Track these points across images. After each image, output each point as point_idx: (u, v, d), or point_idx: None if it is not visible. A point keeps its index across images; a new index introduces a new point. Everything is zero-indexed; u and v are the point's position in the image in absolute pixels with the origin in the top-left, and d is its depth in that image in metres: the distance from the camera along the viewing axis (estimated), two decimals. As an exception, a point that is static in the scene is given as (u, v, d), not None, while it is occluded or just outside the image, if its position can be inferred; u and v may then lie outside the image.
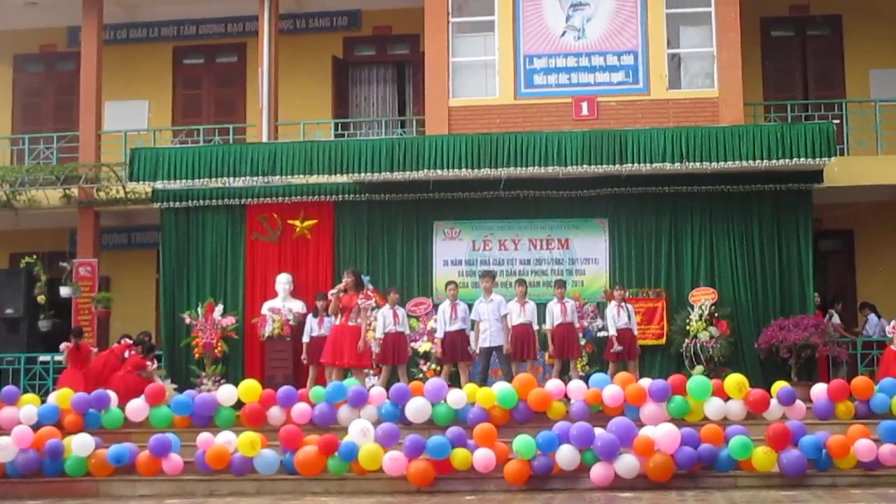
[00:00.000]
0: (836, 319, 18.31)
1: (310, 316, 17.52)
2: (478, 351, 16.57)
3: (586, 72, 18.62)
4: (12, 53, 23.64)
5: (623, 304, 17.00)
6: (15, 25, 22.65)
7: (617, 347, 16.83)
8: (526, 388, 14.46)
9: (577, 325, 17.03)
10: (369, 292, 16.77)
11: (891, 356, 16.08)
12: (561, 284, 17.12)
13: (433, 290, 18.24)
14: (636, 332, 17.08)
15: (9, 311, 20.15)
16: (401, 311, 16.82)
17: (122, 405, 15.16)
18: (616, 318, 16.95)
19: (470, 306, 16.83)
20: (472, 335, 16.62)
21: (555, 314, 16.86)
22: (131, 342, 17.30)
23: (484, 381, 15.85)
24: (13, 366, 18.92)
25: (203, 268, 18.81)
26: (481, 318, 16.50)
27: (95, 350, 17.69)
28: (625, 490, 12.74)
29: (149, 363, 16.96)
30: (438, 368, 17.14)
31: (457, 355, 16.57)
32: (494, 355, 16.62)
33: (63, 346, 17.18)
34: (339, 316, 16.07)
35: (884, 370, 16.00)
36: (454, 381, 16.08)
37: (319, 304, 17.34)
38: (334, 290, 16.22)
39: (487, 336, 16.43)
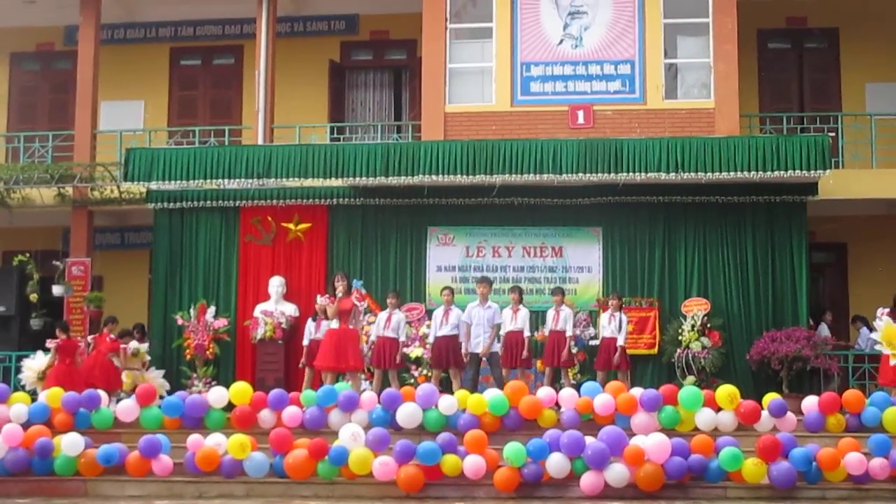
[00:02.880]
0: (825, 331, 18.29)
1: (309, 320, 17.46)
2: (468, 356, 16.53)
3: (583, 80, 18.61)
4: (9, 51, 23.58)
5: (616, 313, 16.98)
6: (12, 23, 22.62)
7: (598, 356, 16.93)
8: (517, 396, 14.47)
9: (570, 335, 16.98)
10: (358, 294, 16.74)
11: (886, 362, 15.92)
12: (559, 292, 17.10)
13: (426, 295, 18.22)
14: (623, 344, 16.92)
15: (0, 309, 20.15)
16: (396, 316, 16.72)
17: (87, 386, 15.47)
18: (606, 326, 16.94)
19: (463, 311, 16.83)
20: (463, 339, 16.58)
21: (548, 321, 16.85)
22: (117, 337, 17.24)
23: (474, 388, 15.83)
24: (4, 364, 18.89)
25: (196, 269, 18.80)
26: (473, 322, 16.44)
27: (84, 342, 17.58)
28: (614, 499, 12.75)
29: (123, 349, 16.87)
30: (430, 374, 17.11)
31: (445, 361, 16.52)
32: (485, 361, 16.59)
33: (50, 342, 17.16)
34: (338, 320, 16.02)
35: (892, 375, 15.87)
36: (445, 387, 16.06)
37: (318, 306, 17.29)
38: (337, 295, 16.05)
39: (480, 342, 16.37)
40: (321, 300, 16.46)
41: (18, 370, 18.27)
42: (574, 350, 17.22)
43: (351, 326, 16.04)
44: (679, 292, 17.91)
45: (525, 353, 16.52)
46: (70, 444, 13.71)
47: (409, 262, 18.53)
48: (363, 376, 16.96)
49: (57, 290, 19.37)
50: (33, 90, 23.63)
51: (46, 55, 23.63)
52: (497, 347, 16.48)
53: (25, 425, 14.18)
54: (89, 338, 17.56)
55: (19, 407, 14.61)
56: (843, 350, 18.05)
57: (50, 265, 19.62)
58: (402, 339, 16.83)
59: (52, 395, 14.94)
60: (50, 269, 19.58)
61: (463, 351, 16.50)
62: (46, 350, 16.82)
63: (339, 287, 16.07)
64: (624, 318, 17.03)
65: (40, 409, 14.69)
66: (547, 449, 13.08)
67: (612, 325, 16.88)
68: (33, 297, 19.26)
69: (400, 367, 16.84)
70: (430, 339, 16.74)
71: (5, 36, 23.11)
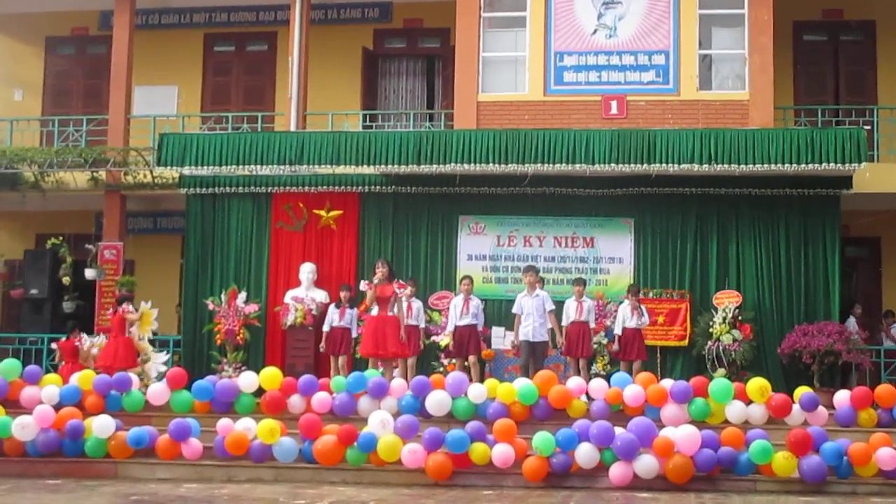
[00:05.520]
0: (853, 324, 18.16)
1: (332, 306, 17.52)
2: (518, 344, 16.47)
3: (616, 70, 18.54)
4: (44, 36, 23.76)
5: (639, 305, 16.99)
6: (47, 8, 22.80)
7: (615, 347, 16.99)
8: (547, 386, 14.44)
9: (594, 326, 16.94)
10: (398, 283, 16.76)
11: None
12: (580, 282, 17.06)
13: (456, 284, 18.18)
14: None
15: (33, 291, 20.37)
16: (416, 304, 16.83)
17: (108, 367, 15.74)
18: (629, 318, 16.93)
19: (484, 301, 17.03)
20: (503, 330, 16.66)
21: (570, 312, 16.81)
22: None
23: (526, 373, 15.75)
24: (36, 346, 19.05)
25: (227, 255, 18.88)
26: (524, 311, 16.34)
27: (88, 340, 17.67)
28: (643, 490, 12.68)
29: (129, 314, 16.94)
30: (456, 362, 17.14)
31: (464, 349, 16.56)
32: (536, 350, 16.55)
33: (54, 344, 17.42)
34: (377, 307, 15.95)
35: None
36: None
37: (343, 294, 17.36)
38: (374, 281, 15.94)
39: (530, 330, 16.24)
40: (363, 286, 16.41)
41: (50, 352, 18.42)
42: (604, 341, 17.23)
43: (390, 314, 15.98)
44: (710, 285, 17.85)
45: (591, 344, 16.67)
46: (101, 426, 13.77)
47: (439, 251, 18.55)
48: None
49: (89, 273, 19.52)
50: (68, 74, 23.80)
51: (81, 40, 23.77)
52: (545, 337, 16.45)
53: (57, 407, 14.28)
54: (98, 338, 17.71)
55: (51, 388, 14.73)
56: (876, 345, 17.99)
57: (83, 249, 19.81)
58: (423, 325, 16.95)
59: (83, 378, 15.03)
60: (83, 253, 19.77)
61: (514, 341, 16.48)
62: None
63: (379, 273, 15.98)
64: (644, 309, 17.07)
65: (72, 390, 14.78)
66: (576, 439, 13.04)
67: (635, 318, 16.86)
68: (66, 280, 19.49)
69: (421, 354, 16.88)
70: (450, 328, 16.76)
71: (41, 20, 23.28)
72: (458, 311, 16.67)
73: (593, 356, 17.26)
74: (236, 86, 23.03)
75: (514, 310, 16.52)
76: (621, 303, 17.60)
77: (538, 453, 13.00)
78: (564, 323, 16.81)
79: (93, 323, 19.30)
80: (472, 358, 16.59)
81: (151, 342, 17.81)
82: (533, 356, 16.31)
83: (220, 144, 17.94)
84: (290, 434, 13.70)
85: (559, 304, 16.94)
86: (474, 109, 18.65)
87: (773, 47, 18.25)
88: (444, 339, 17.44)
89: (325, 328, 17.42)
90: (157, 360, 17.33)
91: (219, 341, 18.15)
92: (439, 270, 18.47)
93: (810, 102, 20.41)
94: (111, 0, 20.88)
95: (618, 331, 17.04)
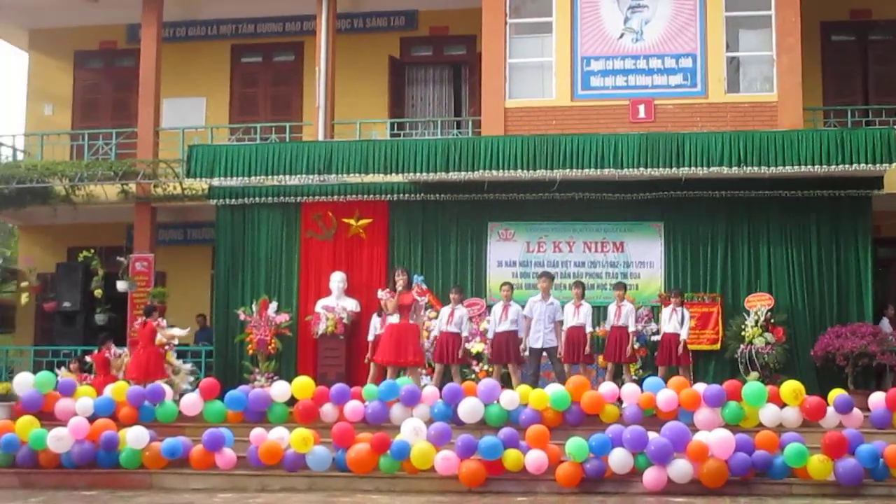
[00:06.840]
0: (886, 325, 18.04)
1: (374, 315, 17.48)
2: (527, 351, 16.48)
3: (644, 74, 18.47)
4: (73, 50, 23.91)
5: (678, 308, 16.82)
6: (76, 22, 22.99)
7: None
8: (579, 391, 14.42)
9: (633, 330, 16.83)
10: (419, 289, 16.76)
11: None
12: (620, 287, 16.99)
13: (486, 290, 18.21)
14: (685, 338, 16.75)
15: (66, 304, 20.49)
16: (459, 311, 16.74)
17: (140, 380, 15.76)
18: (667, 321, 16.84)
19: (523, 307, 16.76)
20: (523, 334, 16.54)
21: (609, 316, 16.75)
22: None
23: (535, 383, 15.77)
24: (69, 358, 19.10)
25: (258, 265, 18.91)
26: (534, 317, 16.38)
27: (121, 351, 17.72)
28: (678, 495, 12.66)
29: (158, 323, 16.97)
30: (490, 369, 17.09)
31: (504, 356, 16.49)
32: (546, 357, 16.53)
33: (89, 357, 17.49)
34: (398, 315, 16.04)
35: None
36: (505, 382, 16.01)
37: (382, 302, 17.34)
38: (397, 290, 16.07)
39: (540, 337, 16.31)
40: (382, 294, 16.53)
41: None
42: (636, 346, 17.13)
43: (411, 321, 16.07)
44: (742, 287, 17.76)
45: (587, 348, 16.47)
46: (135, 437, 13.86)
47: (469, 258, 18.52)
48: (423, 371, 16.99)
49: (121, 285, 19.62)
50: (97, 88, 23.95)
51: (109, 53, 23.92)
52: (557, 342, 16.43)
53: (91, 419, 14.37)
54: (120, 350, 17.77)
55: (85, 400, 14.82)
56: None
57: (114, 261, 19.91)
58: (465, 334, 16.83)
59: (117, 389, 15.12)
60: (114, 265, 19.87)
61: (522, 346, 16.46)
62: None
63: (400, 281, 16.12)
64: (686, 312, 16.88)
65: (106, 402, 14.87)
66: (609, 444, 13.03)
67: (673, 321, 16.74)
68: (98, 292, 19.59)
69: (462, 363, 16.86)
70: (490, 335, 16.74)
71: (69, 35, 23.47)
72: (497, 318, 16.59)
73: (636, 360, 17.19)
74: (264, 96, 23.13)
75: (525, 312, 16.49)
76: (653, 307, 17.58)
77: (571, 459, 12.99)
78: (607, 327, 16.79)
79: (125, 335, 19.35)
80: (510, 365, 16.51)
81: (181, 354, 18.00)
82: (552, 363, 16.33)
83: (248, 155, 18.01)
84: (323, 443, 13.72)
85: (595, 310, 16.89)
86: (502, 116, 18.62)
87: (800, 48, 18.12)
88: (475, 346, 17.38)
89: (370, 338, 17.37)
90: (185, 371, 17.43)
91: (250, 351, 18.17)
92: (469, 277, 18.41)
93: (839, 103, 20.30)
94: (138, 14, 21.01)
95: (659, 335, 16.99)
